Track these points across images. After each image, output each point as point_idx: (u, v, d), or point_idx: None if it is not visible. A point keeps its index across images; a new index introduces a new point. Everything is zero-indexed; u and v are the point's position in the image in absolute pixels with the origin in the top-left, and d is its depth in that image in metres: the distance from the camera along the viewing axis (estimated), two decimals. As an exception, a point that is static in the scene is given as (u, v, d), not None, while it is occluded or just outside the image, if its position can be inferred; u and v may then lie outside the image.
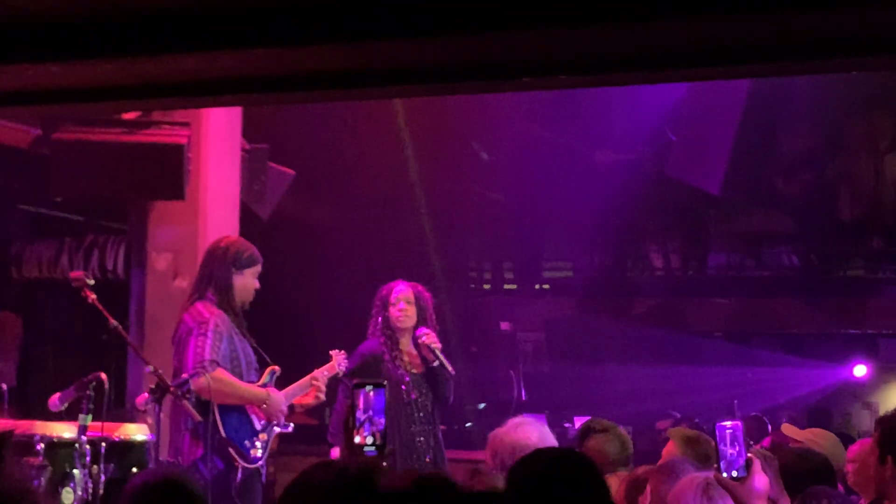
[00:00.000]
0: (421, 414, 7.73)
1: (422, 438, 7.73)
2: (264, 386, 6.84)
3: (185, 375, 6.49)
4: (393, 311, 7.75)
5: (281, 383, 7.00)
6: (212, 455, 6.54)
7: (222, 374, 6.61)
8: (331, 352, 7.31)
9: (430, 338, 7.68)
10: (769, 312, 15.12)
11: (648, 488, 4.66)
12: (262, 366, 6.93)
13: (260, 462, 6.80)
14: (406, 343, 7.80)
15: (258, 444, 6.78)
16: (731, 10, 3.08)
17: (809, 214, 14.83)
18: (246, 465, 6.65)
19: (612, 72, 3.60)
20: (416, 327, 7.74)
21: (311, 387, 7.08)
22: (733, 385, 14.10)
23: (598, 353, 15.00)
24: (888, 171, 14.41)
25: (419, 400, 7.75)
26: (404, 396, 7.67)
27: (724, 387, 13.92)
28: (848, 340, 15.67)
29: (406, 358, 7.79)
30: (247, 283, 6.92)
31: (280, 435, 7.07)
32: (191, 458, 6.59)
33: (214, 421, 6.54)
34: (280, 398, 6.87)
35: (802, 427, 7.48)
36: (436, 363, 7.66)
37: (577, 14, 3.21)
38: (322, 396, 7.14)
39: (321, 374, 7.13)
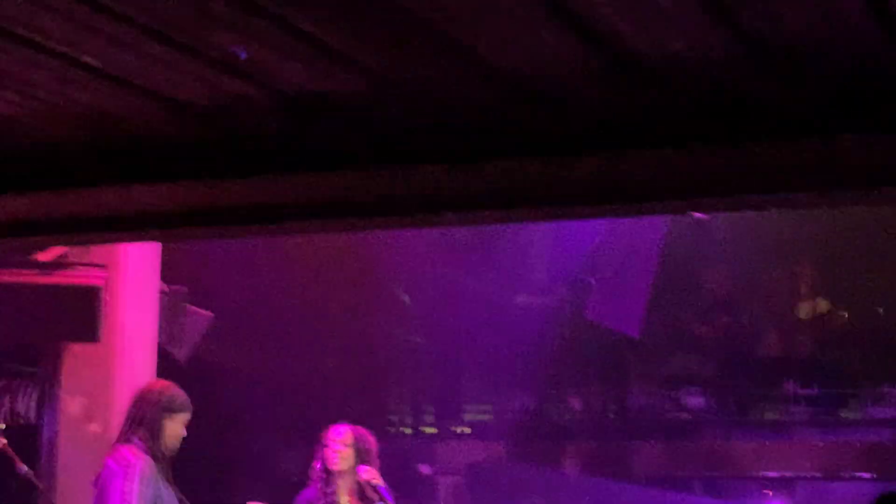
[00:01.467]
0: None
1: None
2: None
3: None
4: (327, 452, 7.76)
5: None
6: None
7: (148, 522, 6.51)
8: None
9: (369, 474, 7.68)
10: (689, 455, 15.09)
11: None
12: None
13: None
14: (346, 486, 7.76)
15: None
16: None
17: (726, 357, 14.91)
18: None
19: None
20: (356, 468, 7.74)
21: None
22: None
23: (520, 498, 14.87)
24: (802, 317, 14.56)
25: None
26: None
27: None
28: (765, 483, 15.64)
29: (346, 499, 7.73)
30: (177, 429, 6.86)
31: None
32: None
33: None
34: None
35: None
36: (379, 502, 7.65)
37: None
38: None
39: None
